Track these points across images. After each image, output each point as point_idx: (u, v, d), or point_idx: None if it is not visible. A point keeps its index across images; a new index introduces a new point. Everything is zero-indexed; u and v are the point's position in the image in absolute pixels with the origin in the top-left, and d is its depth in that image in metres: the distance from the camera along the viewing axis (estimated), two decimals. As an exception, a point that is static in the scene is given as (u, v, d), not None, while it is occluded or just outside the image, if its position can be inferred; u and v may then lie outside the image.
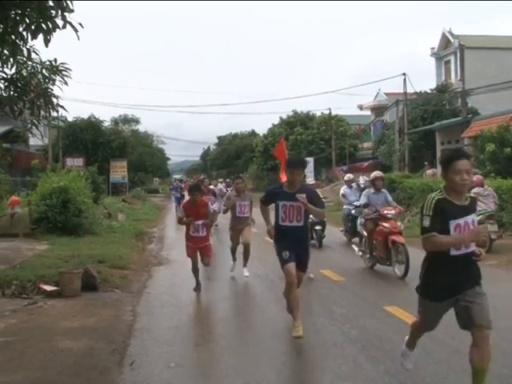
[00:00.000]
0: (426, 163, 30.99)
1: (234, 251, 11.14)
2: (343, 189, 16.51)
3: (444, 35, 44.60)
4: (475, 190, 13.38)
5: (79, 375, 5.28)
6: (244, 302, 8.88)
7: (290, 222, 6.44)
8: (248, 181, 62.56)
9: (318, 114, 54.99)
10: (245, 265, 10.74)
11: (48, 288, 9.03)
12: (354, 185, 16.38)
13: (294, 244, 6.45)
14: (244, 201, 10.88)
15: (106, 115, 50.66)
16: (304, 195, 6.37)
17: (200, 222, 9.15)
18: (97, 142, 44.68)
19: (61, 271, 9.22)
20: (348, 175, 17.51)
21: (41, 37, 7.87)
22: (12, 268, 10.27)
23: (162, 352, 6.06)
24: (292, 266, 6.39)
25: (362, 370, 5.37)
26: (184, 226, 9.59)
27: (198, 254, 9.35)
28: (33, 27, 7.83)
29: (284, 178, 6.95)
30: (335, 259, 12.89)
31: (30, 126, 10.53)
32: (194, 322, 7.43)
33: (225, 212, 11.57)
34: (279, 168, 9.35)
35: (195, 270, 9.39)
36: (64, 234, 15.39)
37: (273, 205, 6.72)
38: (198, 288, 9.31)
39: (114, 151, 45.93)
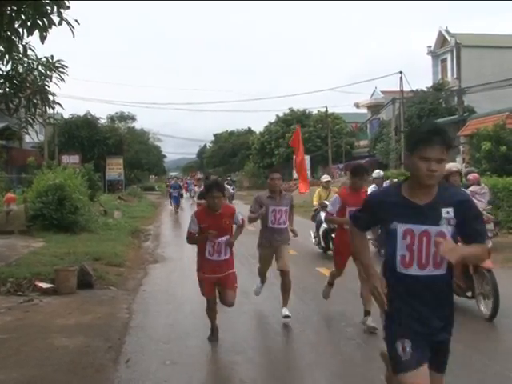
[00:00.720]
0: None
1: (263, 274, 7.97)
2: (371, 188, 12.66)
3: (440, 33, 44.65)
4: (472, 188, 13.41)
5: (75, 373, 5.28)
6: (241, 299, 8.85)
7: (420, 267, 3.10)
8: (244, 178, 62.59)
9: (315, 111, 55.13)
10: (285, 304, 7.32)
11: (44, 285, 9.01)
12: (387, 183, 13.35)
13: (428, 314, 3.12)
14: (280, 205, 7.38)
15: (102, 112, 50.96)
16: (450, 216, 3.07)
17: (223, 238, 6.18)
18: (93, 140, 44.68)
19: (56, 269, 9.20)
20: (378, 171, 14.48)
21: (37, 33, 7.85)
22: (7, 265, 10.25)
23: (158, 349, 6.06)
24: (417, 375, 3.02)
25: (357, 368, 5.38)
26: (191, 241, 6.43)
27: (216, 290, 6.43)
28: (28, 24, 7.81)
29: (303, 187, 4.87)
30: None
31: (24, 124, 10.50)
32: (190, 320, 7.42)
33: (251, 221, 7.43)
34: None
35: (212, 312, 6.49)
36: (60, 232, 15.36)
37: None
38: (214, 336, 6.44)
39: (110, 148, 45.95)
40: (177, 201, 29.90)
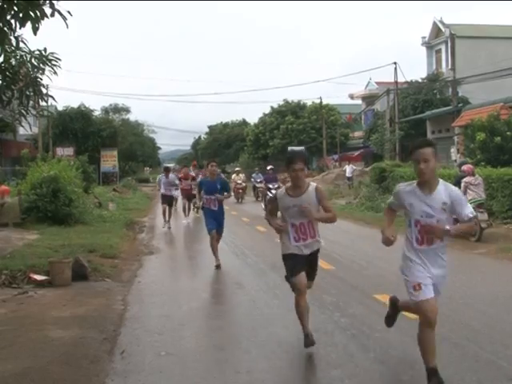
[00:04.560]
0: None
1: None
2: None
3: (435, 24, 44.59)
4: (466, 179, 13.44)
5: (70, 364, 5.28)
6: (235, 291, 8.87)
7: None
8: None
9: (309, 103, 55.05)
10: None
11: (38, 277, 9.01)
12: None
13: None
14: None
15: (96, 104, 50.92)
16: None
17: None
18: (87, 132, 44.66)
19: (51, 261, 9.20)
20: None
21: (29, 25, 7.79)
22: (2, 258, 10.23)
23: (153, 341, 6.07)
24: None
25: (352, 358, 5.40)
26: None
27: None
28: (21, 15, 7.75)
29: None
30: (325, 248, 12.90)
31: (17, 116, 10.46)
32: (185, 311, 7.44)
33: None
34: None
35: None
36: (54, 224, 15.34)
37: None
38: None
39: (105, 140, 45.93)
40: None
